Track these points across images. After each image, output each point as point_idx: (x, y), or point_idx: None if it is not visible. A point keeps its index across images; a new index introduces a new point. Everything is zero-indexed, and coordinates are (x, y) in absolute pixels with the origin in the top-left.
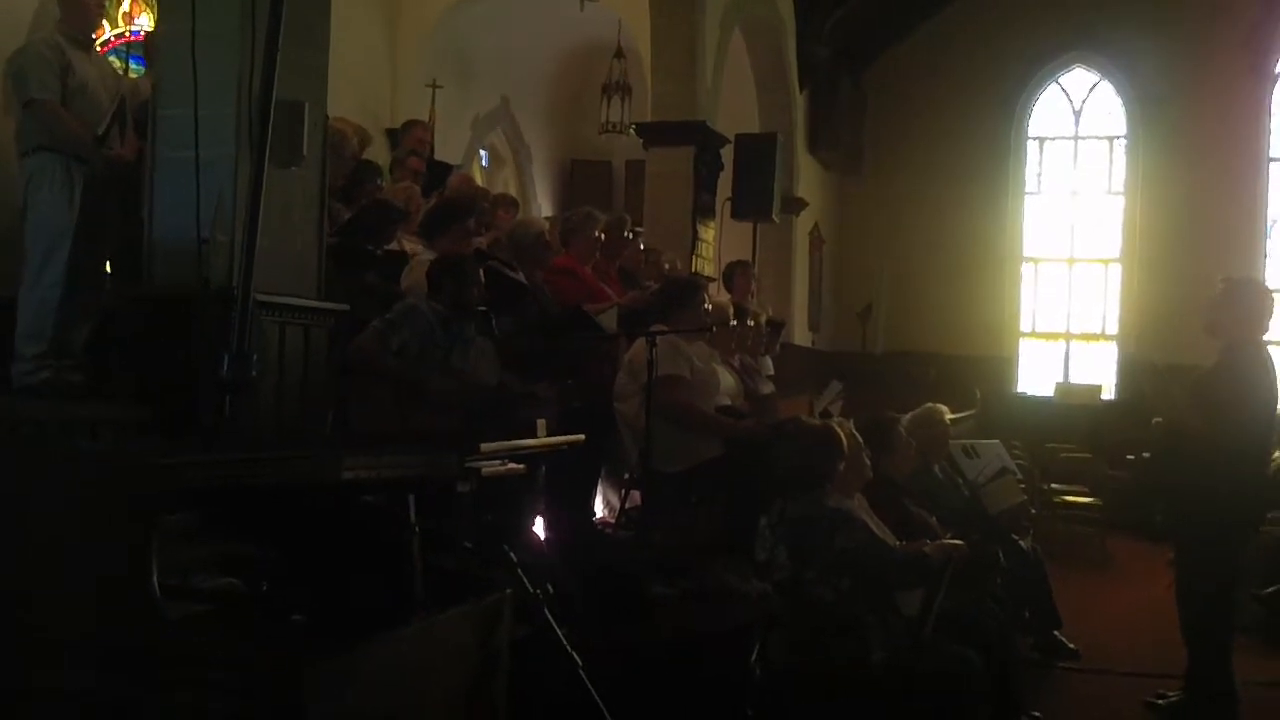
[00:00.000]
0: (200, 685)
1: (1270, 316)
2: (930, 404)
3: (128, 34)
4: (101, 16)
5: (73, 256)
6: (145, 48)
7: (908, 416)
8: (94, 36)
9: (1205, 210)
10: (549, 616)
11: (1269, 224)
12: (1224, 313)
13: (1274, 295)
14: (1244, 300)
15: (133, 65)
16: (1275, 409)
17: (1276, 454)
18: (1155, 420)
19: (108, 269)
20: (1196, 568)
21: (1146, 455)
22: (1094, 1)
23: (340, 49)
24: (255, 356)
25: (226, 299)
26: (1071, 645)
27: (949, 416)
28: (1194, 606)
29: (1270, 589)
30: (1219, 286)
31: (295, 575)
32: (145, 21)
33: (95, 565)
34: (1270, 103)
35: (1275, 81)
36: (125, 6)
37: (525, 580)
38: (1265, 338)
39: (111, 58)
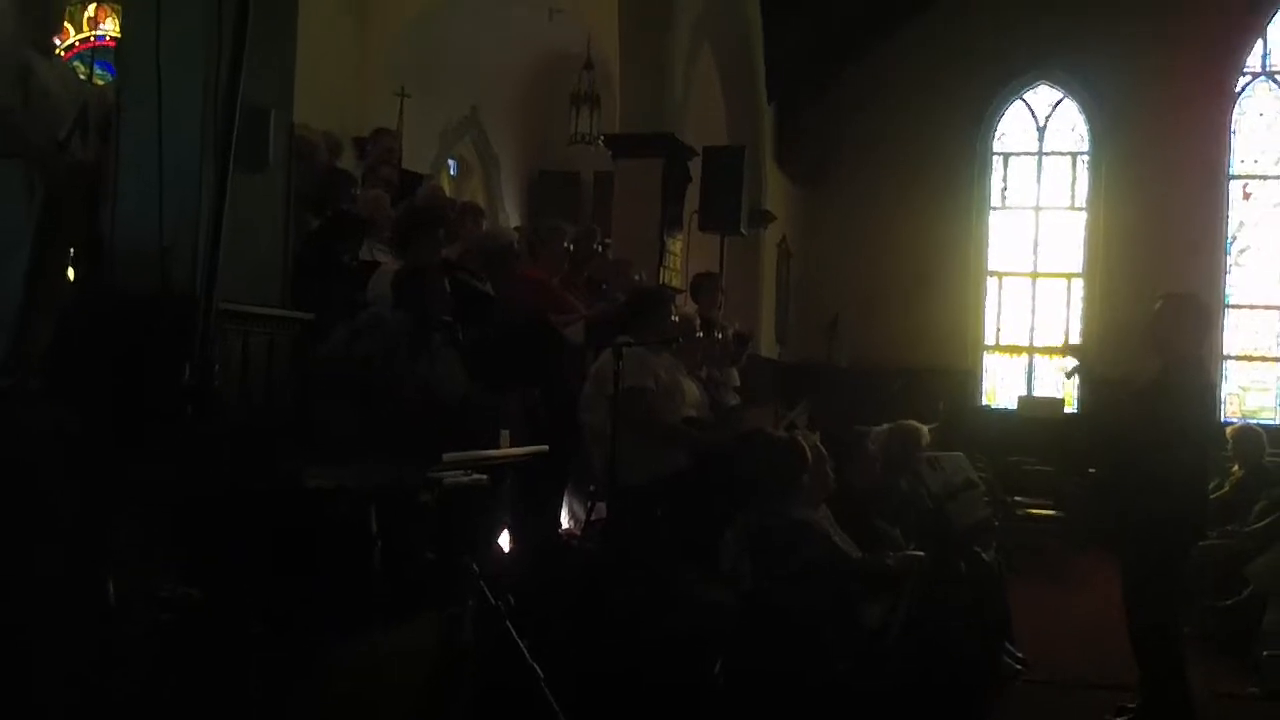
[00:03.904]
0: (161, 696)
1: (1209, 332)
2: (910, 421)
3: (93, 39)
4: (63, 21)
5: (32, 263)
6: (116, 54)
7: (880, 429)
8: (55, 41)
9: (1167, 226)
10: (510, 628)
11: (1229, 239)
12: (1163, 329)
13: (1211, 312)
14: (1183, 317)
15: (98, 70)
16: (1213, 424)
17: (1235, 468)
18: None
19: (69, 276)
20: (1141, 578)
21: (1092, 470)
22: (1058, 20)
23: (308, 56)
24: (218, 365)
25: (189, 306)
26: (1020, 655)
27: (926, 438)
28: (1140, 617)
29: (1228, 601)
30: (1158, 303)
31: (256, 584)
32: (110, 26)
33: (55, 575)
34: (1230, 120)
35: (1235, 100)
36: (90, 11)
37: (487, 592)
38: (1205, 353)
39: (75, 62)
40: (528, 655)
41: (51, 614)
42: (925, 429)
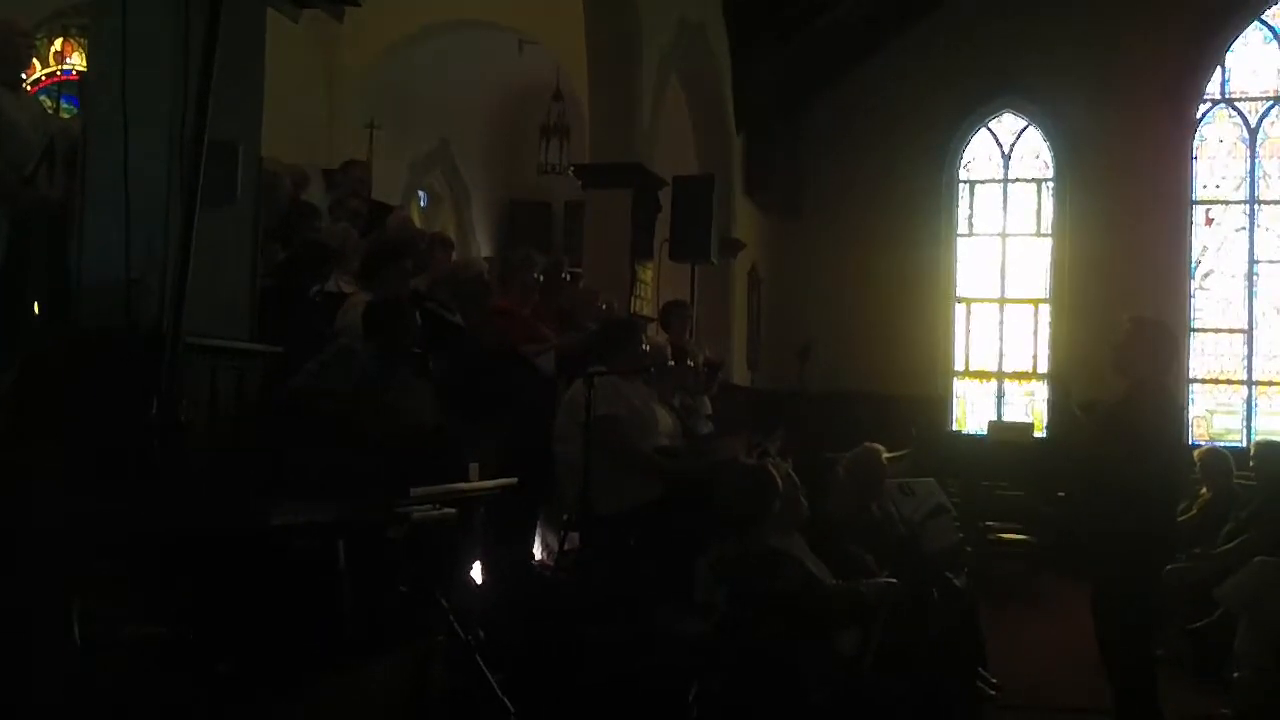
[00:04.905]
0: None
1: (1176, 359)
2: (867, 444)
3: (59, 73)
4: (30, 56)
5: None
6: (81, 88)
7: (845, 456)
8: (22, 76)
9: (1131, 251)
10: (480, 664)
11: (1193, 264)
12: (1131, 352)
13: (1178, 338)
14: (1149, 341)
15: (64, 104)
16: (1180, 447)
17: (1203, 491)
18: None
19: (35, 310)
20: (1113, 601)
21: (1061, 494)
22: (1021, 49)
23: (277, 89)
24: (185, 399)
25: (156, 340)
26: (993, 680)
27: (885, 456)
28: (1113, 640)
29: (1198, 623)
30: (1125, 326)
31: (223, 622)
32: (77, 61)
33: (14, 618)
34: (1191, 147)
35: (1195, 126)
36: (56, 46)
37: (457, 627)
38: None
39: (42, 97)
40: (499, 690)
41: (14, 654)
42: (881, 448)
